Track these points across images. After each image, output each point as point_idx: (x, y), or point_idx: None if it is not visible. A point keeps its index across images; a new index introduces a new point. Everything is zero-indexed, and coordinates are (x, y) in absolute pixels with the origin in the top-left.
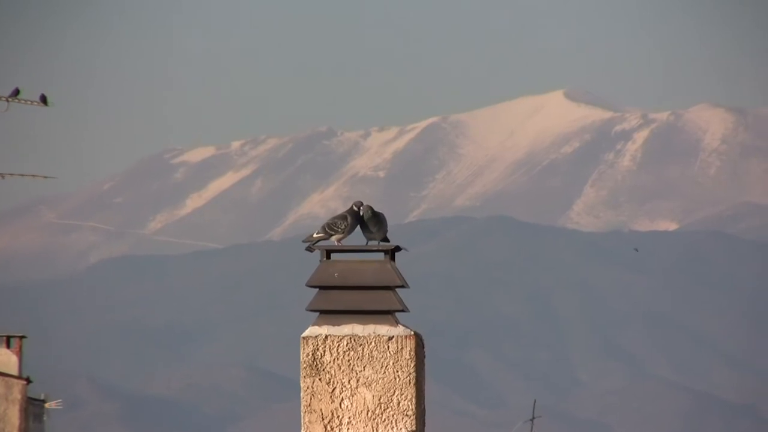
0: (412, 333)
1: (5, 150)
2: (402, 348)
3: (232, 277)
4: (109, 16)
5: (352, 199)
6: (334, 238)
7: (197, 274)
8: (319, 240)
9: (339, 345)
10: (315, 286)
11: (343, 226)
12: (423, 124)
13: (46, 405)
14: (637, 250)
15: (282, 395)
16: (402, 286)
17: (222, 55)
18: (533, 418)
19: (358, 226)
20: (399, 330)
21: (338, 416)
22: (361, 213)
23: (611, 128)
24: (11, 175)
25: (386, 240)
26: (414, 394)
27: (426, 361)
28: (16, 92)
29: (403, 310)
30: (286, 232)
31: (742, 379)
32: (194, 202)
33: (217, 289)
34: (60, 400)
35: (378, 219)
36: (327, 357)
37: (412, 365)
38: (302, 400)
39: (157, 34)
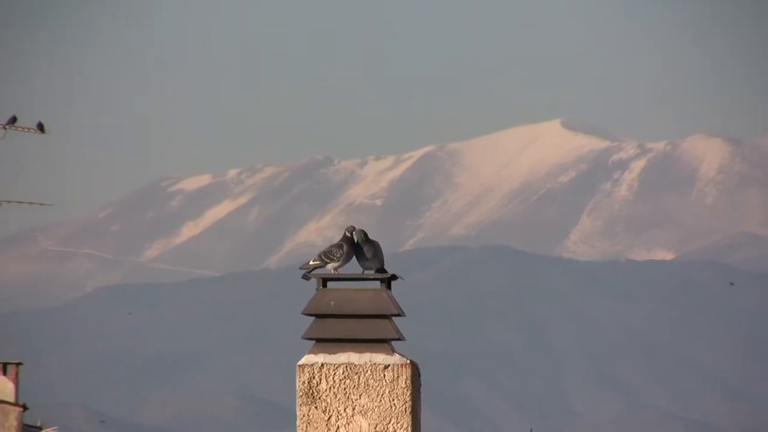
0: (408, 361)
1: (1, 177)
2: (398, 376)
3: (227, 305)
4: (106, 44)
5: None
6: (330, 266)
7: (193, 302)
8: (315, 268)
9: (335, 373)
10: (311, 315)
11: (339, 254)
12: (419, 152)
13: None
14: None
15: (278, 424)
16: (398, 315)
17: (219, 83)
18: None
19: (354, 256)
20: (395, 358)
21: None
22: (354, 238)
23: (608, 158)
24: (8, 202)
25: (382, 269)
26: (410, 423)
27: (421, 389)
28: (13, 120)
29: (399, 339)
30: (283, 261)
31: (737, 409)
32: (190, 230)
33: (213, 318)
34: (56, 428)
35: (372, 245)
36: (323, 385)
37: (408, 394)
38: (298, 428)
39: (153, 62)
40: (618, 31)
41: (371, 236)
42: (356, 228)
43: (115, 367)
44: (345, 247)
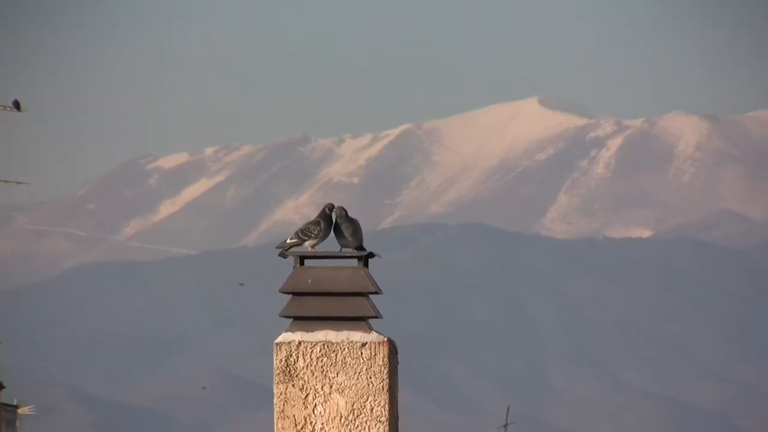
0: (386, 339)
1: None
2: (375, 354)
3: (205, 283)
4: (81, 22)
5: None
6: (307, 243)
7: (170, 281)
8: (292, 246)
9: (312, 351)
10: (288, 293)
11: (316, 232)
12: (397, 131)
13: (19, 411)
14: None
15: (255, 402)
16: (375, 293)
17: (196, 62)
18: (506, 424)
19: (333, 234)
20: (372, 336)
21: (311, 422)
22: (333, 215)
23: (585, 135)
24: None
25: (361, 248)
26: (387, 401)
27: (400, 368)
28: None
29: (376, 317)
30: (260, 239)
31: (717, 388)
32: (168, 208)
33: (190, 296)
34: (33, 406)
35: (351, 223)
36: (300, 363)
37: (386, 372)
38: (275, 406)
39: (130, 41)
40: (595, 8)
41: (349, 214)
42: (335, 206)
43: (93, 345)
44: (322, 225)
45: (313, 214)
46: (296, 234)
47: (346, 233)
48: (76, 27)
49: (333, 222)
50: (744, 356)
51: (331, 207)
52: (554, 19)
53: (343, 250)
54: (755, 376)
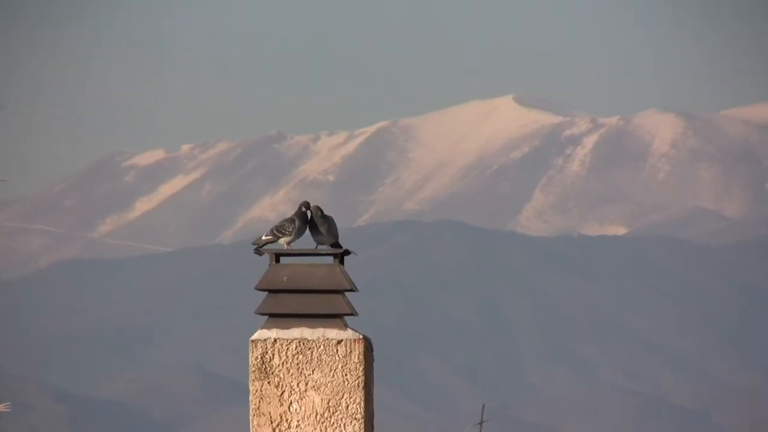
0: (361, 336)
1: None
2: (351, 351)
3: (181, 280)
4: (58, 18)
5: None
6: (282, 240)
7: (146, 277)
8: (267, 243)
9: (288, 348)
10: (264, 290)
11: (291, 229)
12: (372, 128)
13: None
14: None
15: (231, 398)
16: (351, 290)
17: (171, 59)
18: (482, 422)
19: (308, 230)
20: (348, 333)
21: (287, 419)
22: (309, 214)
23: (560, 133)
24: None
25: (337, 245)
26: (363, 398)
27: (375, 364)
28: None
29: (351, 314)
30: (236, 236)
31: (692, 385)
32: (144, 205)
33: (167, 293)
34: (8, 403)
35: (327, 221)
36: (276, 360)
37: (361, 369)
38: (251, 403)
39: (106, 37)
40: (571, 6)
41: (325, 212)
42: (311, 204)
43: (69, 342)
44: (297, 222)
45: (289, 211)
46: (271, 231)
47: (322, 229)
48: (54, 25)
49: (308, 219)
50: (720, 353)
51: (307, 205)
52: (530, 17)
53: (319, 247)
54: (731, 372)
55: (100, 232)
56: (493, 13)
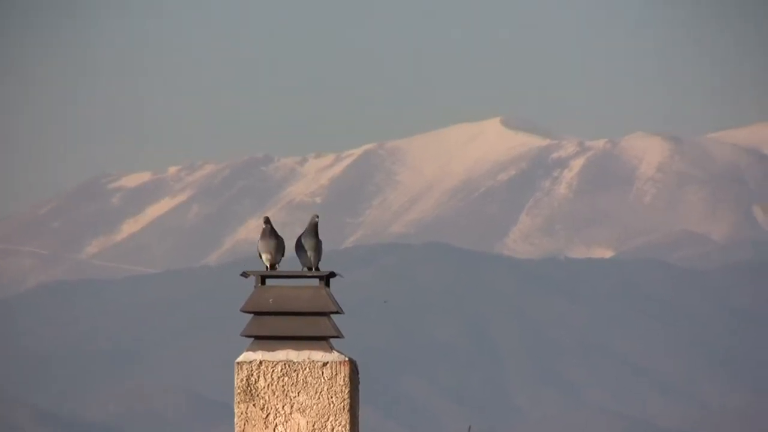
0: (347, 359)
1: None
2: (336, 374)
3: (167, 302)
4: (43, 39)
5: (289, 225)
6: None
7: (133, 299)
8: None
9: (273, 371)
10: (250, 312)
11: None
12: (360, 150)
13: None
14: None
15: (217, 420)
16: (337, 312)
17: (158, 80)
18: None
19: (296, 252)
20: (333, 356)
21: None
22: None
23: (548, 156)
24: None
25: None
26: (348, 420)
27: (360, 387)
28: None
29: (337, 336)
30: (223, 258)
31: (680, 407)
32: (130, 227)
33: (152, 314)
34: None
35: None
36: (261, 382)
37: (347, 391)
38: (236, 425)
39: (93, 59)
40: (557, 30)
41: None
42: (314, 218)
43: (56, 363)
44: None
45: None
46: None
47: (309, 242)
48: (39, 45)
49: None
50: (707, 376)
51: (316, 217)
52: (516, 40)
53: (304, 269)
54: (719, 395)
55: (87, 253)
56: (480, 35)
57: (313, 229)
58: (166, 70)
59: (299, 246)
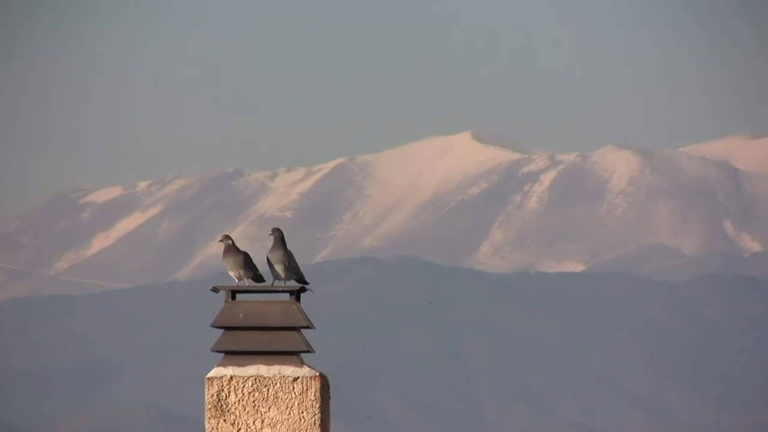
0: (318, 374)
1: None
2: (307, 389)
3: (138, 317)
4: (12, 54)
5: (259, 240)
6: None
7: (103, 314)
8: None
9: (244, 386)
10: (220, 327)
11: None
12: (330, 164)
13: None
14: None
15: None
16: (307, 327)
17: (128, 94)
18: None
19: (269, 265)
20: (304, 371)
21: None
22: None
23: (518, 170)
24: None
25: (300, 277)
26: None
27: (331, 402)
28: None
29: (308, 351)
30: (193, 273)
31: (650, 421)
32: (101, 242)
33: (123, 330)
34: None
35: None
36: (232, 398)
37: (317, 406)
38: None
39: (62, 72)
40: (528, 43)
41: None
42: (275, 230)
43: (26, 380)
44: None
45: (246, 247)
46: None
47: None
48: (7, 60)
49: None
50: (677, 389)
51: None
52: (487, 53)
53: (275, 283)
54: (689, 409)
55: (57, 269)
56: (451, 50)
57: (278, 242)
58: (137, 84)
59: (268, 262)
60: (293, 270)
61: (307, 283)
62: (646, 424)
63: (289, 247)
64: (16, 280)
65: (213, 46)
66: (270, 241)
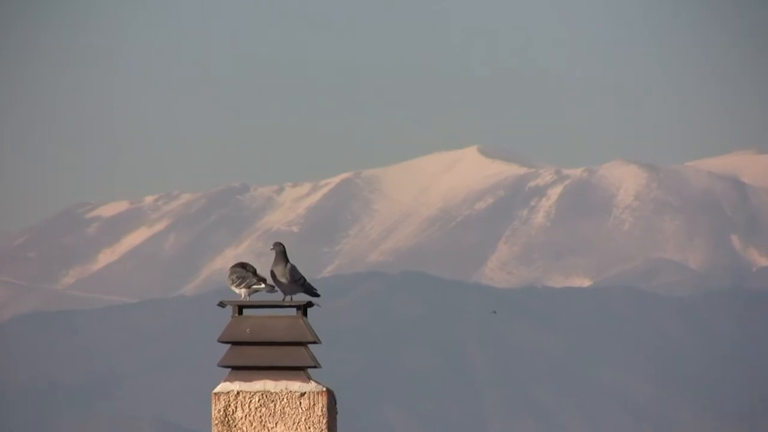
0: (324, 389)
1: None
2: (314, 404)
3: (144, 332)
4: (19, 67)
5: (266, 255)
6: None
7: (109, 329)
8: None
9: (251, 401)
10: (227, 342)
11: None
12: (336, 179)
13: None
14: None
15: None
16: (314, 342)
17: (135, 110)
18: None
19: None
20: (311, 386)
21: None
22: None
23: (525, 184)
24: None
25: (309, 288)
26: None
27: (338, 417)
28: None
29: (315, 366)
30: (199, 288)
31: None
32: (107, 256)
33: (129, 345)
34: None
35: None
36: (239, 413)
37: (324, 421)
38: None
39: (69, 87)
40: (534, 57)
41: (290, 262)
42: (278, 244)
43: (31, 395)
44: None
45: (252, 262)
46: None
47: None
48: (14, 74)
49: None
50: (684, 403)
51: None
52: (494, 68)
53: (285, 298)
54: (696, 423)
55: (63, 283)
56: (457, 64)
57: (279, 257)
58: (143, 99)
59: (272, 276)
60: (298, 282)
61: (318, 295)
62: None
63: (295, 261)
64: (22, 294)
65: (221, 60)
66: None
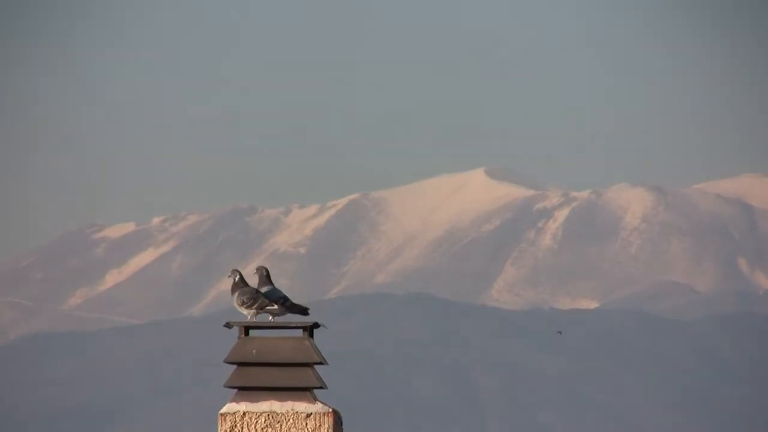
0: (330, 410)
1: None
2: (320, 425)
3: (151, 353)
4: (25, 89)
5: (273, 276)
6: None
7: (116, 350)
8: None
9: (257, 422)
10: (233, 363)
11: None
12: (344, 200)
13: None
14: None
15: None
16: (320, 363)
17: (142, 130)
18: None
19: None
20: (317, 407)
21: None
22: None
23: (532, 206)
24: None
25: (294, 305)
26: None
27: None
28: None
29: (321, 387)
30: (207, 309)
31: None
32: (114, 277)
33: (136, 366)
34: None
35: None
36: None
37: None
38: None
39: (76, 108)
40: (541, 79)
41: (297, 284)
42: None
43: (38, 416)
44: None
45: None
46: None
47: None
48: (21, 95)
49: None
50: (689, 426)
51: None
52: (501, 91)
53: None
54: None
55: (70, 304)
56: (463, 86)
57: (263, 280)
58: (151, 120)
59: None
60: (280, 301)
61: (307, 312)
62: None
63: (301, 282)
64: (29, 315)
65: (227, 80)
66: (285, 278)
